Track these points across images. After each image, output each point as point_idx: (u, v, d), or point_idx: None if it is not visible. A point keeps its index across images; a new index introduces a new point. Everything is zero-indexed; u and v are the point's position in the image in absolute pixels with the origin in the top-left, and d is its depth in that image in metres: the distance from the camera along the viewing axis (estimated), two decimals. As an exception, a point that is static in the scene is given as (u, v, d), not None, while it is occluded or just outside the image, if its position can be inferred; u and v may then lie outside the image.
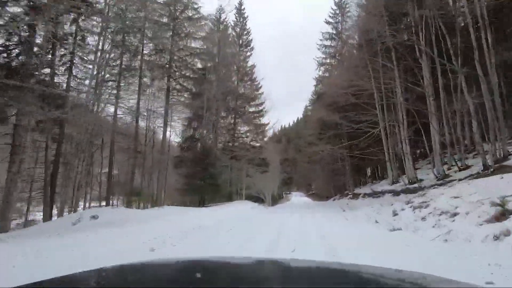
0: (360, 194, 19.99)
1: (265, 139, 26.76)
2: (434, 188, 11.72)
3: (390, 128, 17.76)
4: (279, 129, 70.48)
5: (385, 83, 16.30)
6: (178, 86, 20.37)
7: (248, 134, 26.58)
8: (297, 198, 50.48)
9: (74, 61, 13.96)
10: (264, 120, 26.61)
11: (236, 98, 25.47)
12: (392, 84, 15.53)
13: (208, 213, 12.22)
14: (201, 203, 16.66)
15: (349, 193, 22.18)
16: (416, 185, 14.59)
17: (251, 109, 26.57)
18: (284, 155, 57.10)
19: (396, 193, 15.56)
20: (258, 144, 26.30)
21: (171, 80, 19.57)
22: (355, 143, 18.13)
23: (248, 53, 27.24)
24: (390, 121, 17.02)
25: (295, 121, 78.82)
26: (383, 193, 16.89)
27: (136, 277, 1.01)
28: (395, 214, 7.89)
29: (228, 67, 24.57)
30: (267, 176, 38.39)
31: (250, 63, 27.03)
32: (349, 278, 1.05)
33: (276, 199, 47.83)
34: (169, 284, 0.96)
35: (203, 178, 17.29)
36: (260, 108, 26.43)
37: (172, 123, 21.58)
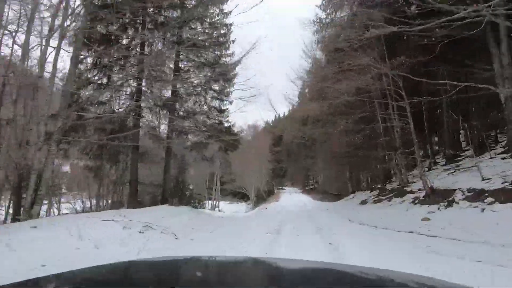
0: (454, 191, 7.99)
1: (232, 94, 14.25)
2: None
3: None
4: (273, 119, 58.32)
5: None
6: None
7: (204, 82, 14.22)
8: (290, 196, 35.94)
9: None
10: (230, 59, 14.13)
11: (178, 7, 13.05)
12: None
13: None
14: None
15: (413, 188, 10.08)
16: None
17: (204, 37, 13.98)
18: (277, 143, 45.18)
19: None
20: (218, 100, 14.03)
21: None
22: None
23: None
24: None
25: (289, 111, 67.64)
26: None
27: (127, 276, 1.03)
28: None
29: None
30: (248, 165, 27.12)
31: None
32: (344, 279, 1.04)
33: (263, 197, 35.35)
34: (162, 283, 0.93)
35: None
36: (222, 32, 13.96)
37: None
